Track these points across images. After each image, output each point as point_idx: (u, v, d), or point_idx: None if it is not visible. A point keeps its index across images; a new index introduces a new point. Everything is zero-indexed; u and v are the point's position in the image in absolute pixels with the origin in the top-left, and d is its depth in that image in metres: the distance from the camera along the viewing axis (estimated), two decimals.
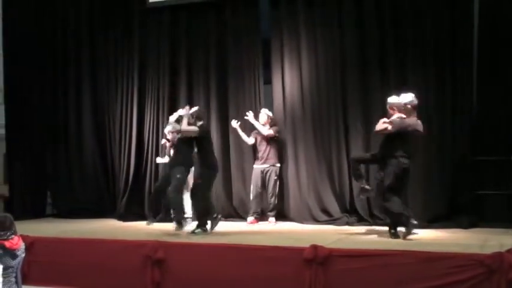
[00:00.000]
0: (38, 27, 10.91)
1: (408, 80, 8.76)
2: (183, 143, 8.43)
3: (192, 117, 8.10)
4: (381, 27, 9.00)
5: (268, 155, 9.25)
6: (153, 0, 10.30)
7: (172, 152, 9.08)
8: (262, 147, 9.27)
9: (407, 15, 8.86)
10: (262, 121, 9.32)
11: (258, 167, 9.28)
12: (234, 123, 9.40)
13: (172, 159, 8.87)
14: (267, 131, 9.23)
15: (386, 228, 8.11)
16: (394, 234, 7.36)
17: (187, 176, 8.66)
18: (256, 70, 9.77)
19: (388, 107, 7.66)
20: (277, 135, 9.36)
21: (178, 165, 8.54)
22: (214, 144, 9.77)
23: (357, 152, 8.71)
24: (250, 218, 9.22)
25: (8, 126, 10.91)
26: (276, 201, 9.27)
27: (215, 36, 10.08)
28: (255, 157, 9.45)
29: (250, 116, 9.29)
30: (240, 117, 9.72)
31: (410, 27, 8.81)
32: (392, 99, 7.65)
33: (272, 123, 9.38)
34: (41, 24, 10.94)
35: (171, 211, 8.84)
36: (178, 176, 8.44)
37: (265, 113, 9.37)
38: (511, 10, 8.37)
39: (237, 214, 9.69)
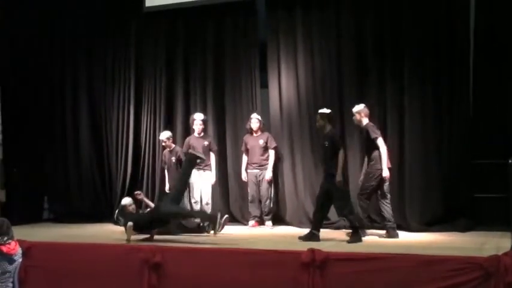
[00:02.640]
0: (35, 33, 10.91)
1: (405, 83, 8.79)
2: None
3: (168, 140, 9.14)
4: (378, 32, 9.04)
5: (262, 160, 9.25)
6: (149, 5, 10.32)
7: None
8: (256, 154, 9.25)
9: (404, 21, 8.88)
10: (255, 127, 9.28)
11: (252, 171, 9.28)
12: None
13: None
14: (272, 162, 9.22)
15: (383, 232, 8.14)
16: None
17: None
18: (253, 74, 9.80)
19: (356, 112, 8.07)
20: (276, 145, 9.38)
21: None
22: None
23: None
24: (251, 222, 9.24)
25: (4, 132, 10.87)
26: (272, 205, 9.26)
27: (212, 40, 10.10)
28: (248, 161, 9.40)
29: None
30: (236, 121, 9.75)
31: (408, 33, 8.84)
32: (360, 107, 8.09)
33: (263, 128, 9.37)
34: (38, 30, 10.93)
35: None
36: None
37: (256, 118, 9.31)
38: (506, 17, 8.40)
39: (234, 218, 9.67)
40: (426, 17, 8.76)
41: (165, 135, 9.43)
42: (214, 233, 7.58)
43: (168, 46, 10.39)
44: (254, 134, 9.30)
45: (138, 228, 7.57)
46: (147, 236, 7.81)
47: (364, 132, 8.09)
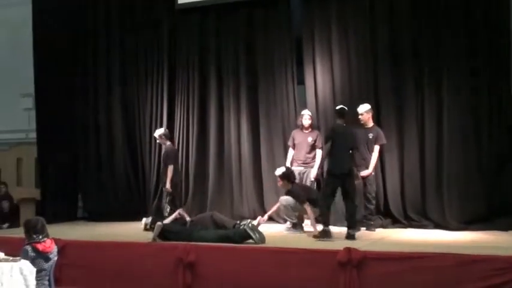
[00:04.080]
0: (68, 30, 11.06)
1: (443, 78, 8.66)
2: None
3: (161, 138, 9.56)
4: (415, 22, 8.91)
5: (307, 158, 9.19)
6: (182, 1, 10.39)
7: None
8: (302, 150, 9.16)
9: (441, 9, 8.75)
10: (306, 124, 9.12)
11: (296, 168, 9.15)
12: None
13: None
14: (318, 161, 9.06)
15: (423, 230, 8.05)
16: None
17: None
18: (289, 69, 9.75)
19: (366, 112, 8.46)
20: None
21: None
22: (244, 146, 9.94)
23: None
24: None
25: (39, 130, 11.09)
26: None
27: (245, 35, 10.11)
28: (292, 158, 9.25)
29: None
30: (270, 118, 9.76)
31: (445, 23, 8.70)
32: (367, 106, 8.54)
33: (314, 125, 9.30)
34: (71, 26, 11.09)
35: None
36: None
37: (308, 115, 9.14)
38: None
39: (269, 218, 9.64)
40: (463, 4, 8.61)
41: (157, 132, 9.71)
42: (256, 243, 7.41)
43: (200, 42, 10.43)
44: (304, 131, 9.21)
45: (163, 237, 7.58)
46: None
47: (373, 133, 8.43)
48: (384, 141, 8.53)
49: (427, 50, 8.82)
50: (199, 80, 10.39)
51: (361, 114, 8.50)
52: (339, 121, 7.85)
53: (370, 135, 8.44)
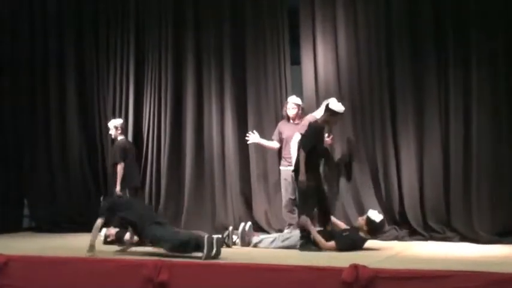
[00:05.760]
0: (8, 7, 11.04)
1: (471, 61, 8.70)
2: None
3: (117, 129, 9.84)
4: None
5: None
6: None
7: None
8: (293, 147, 9.16)
9: None
10: (292, 114, 9.21)
11: (285, 169, 9.19)
12: (253, 138, 9.39)
13: None
14: None
15: (446, 243, 8.09)
16: None
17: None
18: (281, 48, 9.81)
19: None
20: None
21: None
22: (228, 140, 9.99)
23: None
24: (286, 231, 9.15)
25: None
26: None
27: (230, 6, 10.13)
28: (279, 156, 9.37)
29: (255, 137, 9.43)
30: (260, 105, 9.78)
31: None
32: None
33: (303, 114, 9.31)
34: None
35: None
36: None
37: (293, 103, 9.23)
38: None
39: (259, 227, 9.67)
40: None
41: (113, 122, 9.91)
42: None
43: (175, 12, 10.42)
44: (292, 122, 9.25)
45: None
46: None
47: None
48: None
49: (454, 23, 8.84)
50: (174, 60, 10.39)
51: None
52: None
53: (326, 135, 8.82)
